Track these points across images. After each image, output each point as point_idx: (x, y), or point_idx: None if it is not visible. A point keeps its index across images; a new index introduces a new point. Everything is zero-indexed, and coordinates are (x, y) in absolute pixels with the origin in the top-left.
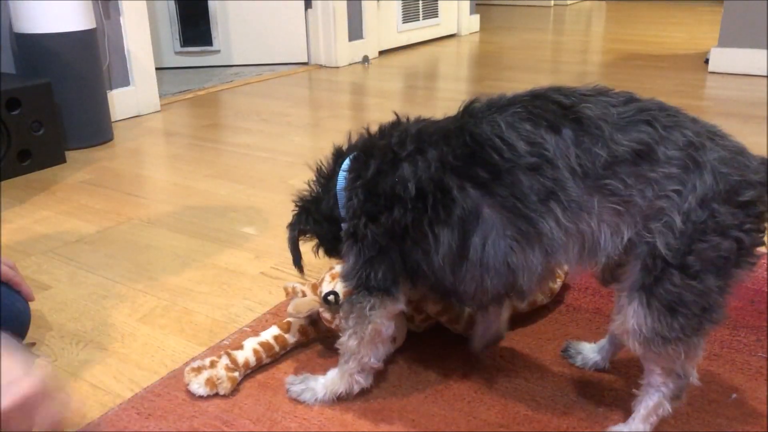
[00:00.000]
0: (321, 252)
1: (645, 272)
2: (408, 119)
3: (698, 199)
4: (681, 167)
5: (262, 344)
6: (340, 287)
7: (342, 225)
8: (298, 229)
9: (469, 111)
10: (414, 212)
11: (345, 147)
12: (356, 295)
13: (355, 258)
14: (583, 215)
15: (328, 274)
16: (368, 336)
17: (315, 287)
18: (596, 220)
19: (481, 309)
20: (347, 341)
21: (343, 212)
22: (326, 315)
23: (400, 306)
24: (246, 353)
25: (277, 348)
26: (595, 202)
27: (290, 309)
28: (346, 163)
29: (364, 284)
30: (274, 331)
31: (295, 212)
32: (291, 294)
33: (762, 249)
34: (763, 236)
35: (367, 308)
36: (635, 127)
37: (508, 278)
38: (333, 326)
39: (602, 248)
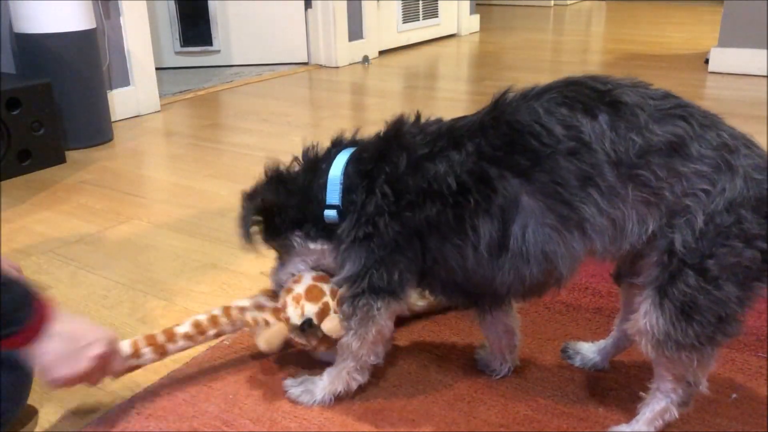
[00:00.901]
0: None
1: (660, 269)
2: (418, 119)
3: (726, 201)
4: (713, 167)
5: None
6: (309, 309)
7: (326, 212)
8: (262, 198)
9: (502, 102)
10: (455, 207)
11: (347, 139)
12: (361, 297)
13: (364, 259)
14: (617, 202)
15: (290, 297)
16: (372, 337)
17: (277, 311)
18: (628, 207)
19: (515, 299)
20: (350, 343)
21: (334, 200)
22: (300, 340)
23: (404, 306)
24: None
25: (206, 325)
26: (629, 189)
27: (263, 346)
28: (346, 155)
29: (371, 286)
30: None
31: (264, 181)
32: (254, 325)
33: None
34: None
35: (374, 310)
36: (671, 121)
37: (547, 266)
38: (309, 348)
39: (628, 237)
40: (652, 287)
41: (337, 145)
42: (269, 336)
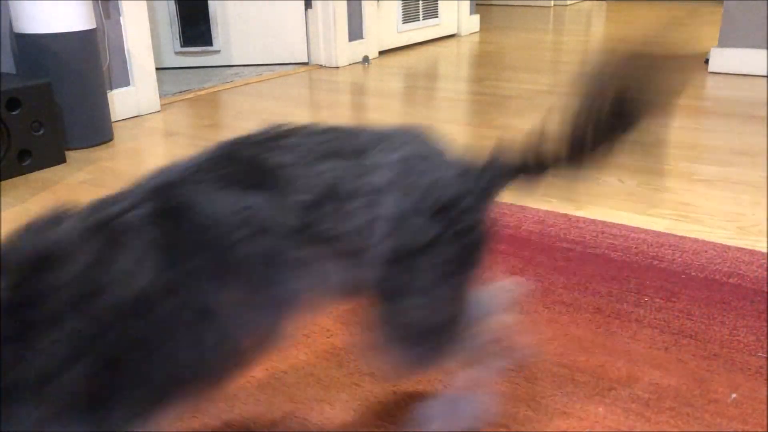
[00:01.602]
0: None
1: (376, 305)
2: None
3: (392, 221)
4: (369, 194)
5: None
6: None
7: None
8: None
9: (162, 186)
10: (146, 324)
11: None
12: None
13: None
14: (306, 268)
15: None
16: None
17: None
18: (318, 268)
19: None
20: None
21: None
22: None
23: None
24: None
25: None
26: (312, 250)
27: None
28: None
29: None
30: None
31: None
32: None
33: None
34: (477, 236)
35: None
36: (321, 165)
37: (255, 350)
38: None
39: (331, 293)
40: (375, 323)
41: None
42: None
